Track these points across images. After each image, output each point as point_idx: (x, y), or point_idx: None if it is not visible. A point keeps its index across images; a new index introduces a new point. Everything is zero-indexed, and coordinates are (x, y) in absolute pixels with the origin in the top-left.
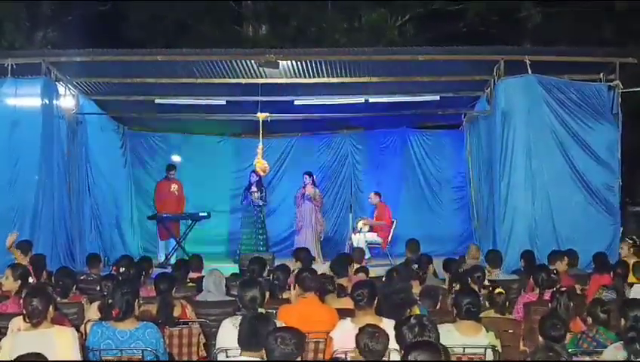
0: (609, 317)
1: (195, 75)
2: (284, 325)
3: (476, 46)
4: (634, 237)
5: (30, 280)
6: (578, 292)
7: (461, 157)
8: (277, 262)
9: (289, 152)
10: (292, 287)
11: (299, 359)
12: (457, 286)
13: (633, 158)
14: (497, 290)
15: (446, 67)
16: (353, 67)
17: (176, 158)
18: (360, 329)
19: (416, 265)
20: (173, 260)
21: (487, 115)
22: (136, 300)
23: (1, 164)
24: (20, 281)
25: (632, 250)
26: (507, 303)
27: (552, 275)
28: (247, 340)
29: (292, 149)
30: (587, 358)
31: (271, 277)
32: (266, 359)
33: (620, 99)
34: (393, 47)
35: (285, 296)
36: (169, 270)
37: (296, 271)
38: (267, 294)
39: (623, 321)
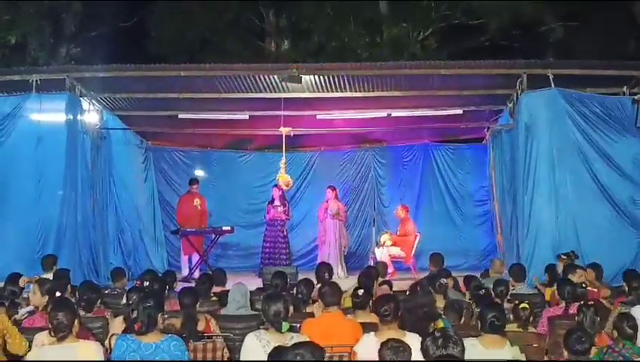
0: (635, 332)
1: (218, 90)
2: (304, 340)
3: (498, 60)
4: (569, 252)
5: (57, 294)
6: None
7: (484, 171)
8: (300, 276)
9: (312, 167)
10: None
11: None
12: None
13: None
14: (522, 305)
15: (468, 81)
16: (375, 81)
17: (199, 173)
18: (382, 344)
19: (444, 280)
20: (196, 274)
21: (510, 129)
22: (160, 314)
23: (26, 179)
24: (47, 296)
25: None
26: (531, 318)
27: (580, 288)
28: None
29: (315, 164)
30: None
31: (295, 291)
32: None
33: None
34: (415, 61)
35: (309, 309)
36: (193, 284)
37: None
38: (291, 308)
39: None
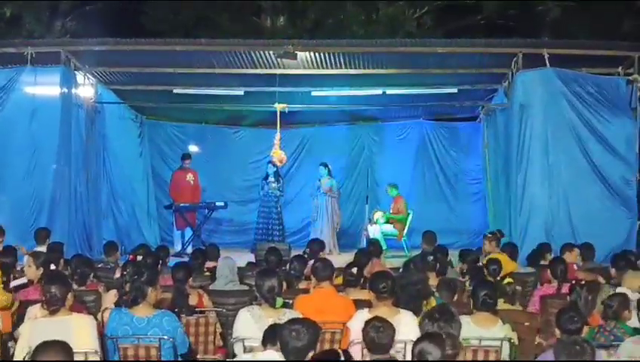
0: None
1: (214, 66)
2: (300, 317)
3: (494, 39)
4: (495, 231)
5: (52, 267)
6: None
7: (478, 149)
8: (293, 253)
9: (306, 143)
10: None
11: (311, 353)
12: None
13: None
14: (507, 280)
15: (464, 60)
16: (371, 59)
17: (193, 148)
18: (366, 323)
19: (432, 257)
20: (189, 249)
21: (504, 108)
22: (153, 287)
23: (20, 152)
24: (42, 269)
25: (493, 243)
26: (515, 293)
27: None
28: (269, 337)
29: (309, 140)
30: (604, 352)
31: (287, 268)
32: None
33: (638, 93)
34: (411, 39)
35: (302, 286)
36: (186, 259)
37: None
38: (284, 284)
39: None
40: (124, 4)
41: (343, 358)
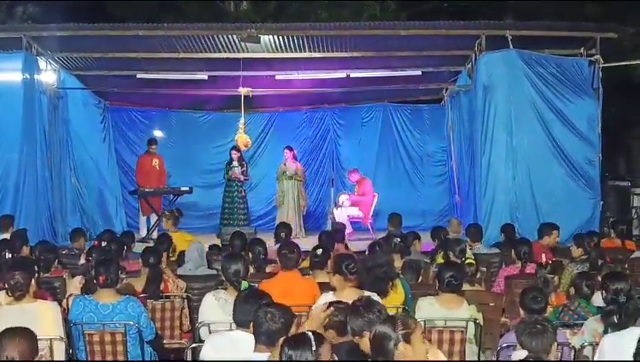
0: (592, 291)
1: (177, 50)
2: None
3: (458, 21)
4: (172, 209)
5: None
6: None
7: (442, 131)
8: (259, 236)
9: (271, 127)
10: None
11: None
12: (441, 255)
13: (613, 133)
14: (468, 261)
15: (428, 42)
16: (335, 42)
17: (158, 133)
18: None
19: (398, 239)
20: (154, 235)
21: (468, 90)
22: (118, 273)
23: None
24: None
25: (169, 221)
26: (474, 275)
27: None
28: (242, 319)
29: (274, 124)
30: (568, 331)
31: (250, 252)
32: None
33: (600, 74)
34: (374, 22)
35: (268, 269)
36: (151, 244)
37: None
38: (250, 268)
39: (604, 293)
40: None
41: (314, 342)
